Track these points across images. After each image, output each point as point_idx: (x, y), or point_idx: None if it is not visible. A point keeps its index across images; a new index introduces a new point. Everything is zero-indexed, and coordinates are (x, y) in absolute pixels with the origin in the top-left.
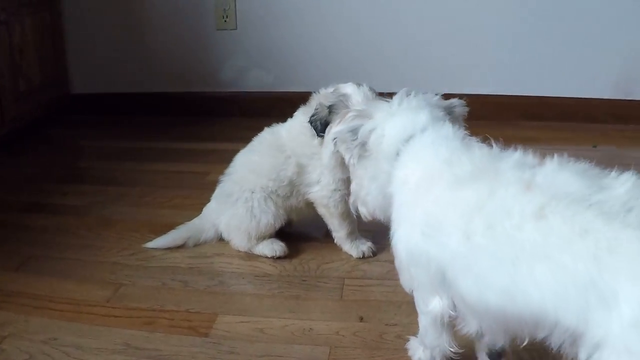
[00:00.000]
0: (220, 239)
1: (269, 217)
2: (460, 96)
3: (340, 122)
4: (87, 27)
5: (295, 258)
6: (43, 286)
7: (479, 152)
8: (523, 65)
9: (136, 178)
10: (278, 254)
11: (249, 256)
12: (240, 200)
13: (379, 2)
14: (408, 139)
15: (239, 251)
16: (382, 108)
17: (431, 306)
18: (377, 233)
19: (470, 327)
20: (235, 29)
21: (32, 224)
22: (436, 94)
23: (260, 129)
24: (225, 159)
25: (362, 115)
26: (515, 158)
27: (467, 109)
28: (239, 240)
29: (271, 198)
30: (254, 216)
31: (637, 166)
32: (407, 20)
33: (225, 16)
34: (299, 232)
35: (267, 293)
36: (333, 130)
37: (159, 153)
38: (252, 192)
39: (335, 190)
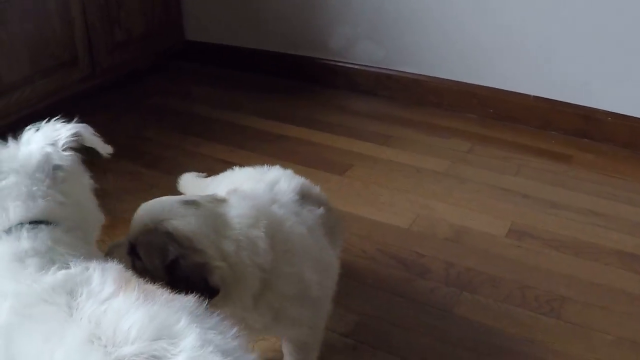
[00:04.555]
0: None
1: None
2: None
3: None
4: None
5: None
6: None
7: (51, 280)
8: None
9: (186, 162)
10: None
11: None
12: None
13: None
14: None
15: None
16: None
17: None
18: None
19: None
20: None
21: None
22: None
23: (362, 111)
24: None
25: None
26: (91, 288)
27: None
28: None
29: None
30: None
31: None
32: (548, 14)
33: None
34: None
35: None
36: None
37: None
38: None
39: None
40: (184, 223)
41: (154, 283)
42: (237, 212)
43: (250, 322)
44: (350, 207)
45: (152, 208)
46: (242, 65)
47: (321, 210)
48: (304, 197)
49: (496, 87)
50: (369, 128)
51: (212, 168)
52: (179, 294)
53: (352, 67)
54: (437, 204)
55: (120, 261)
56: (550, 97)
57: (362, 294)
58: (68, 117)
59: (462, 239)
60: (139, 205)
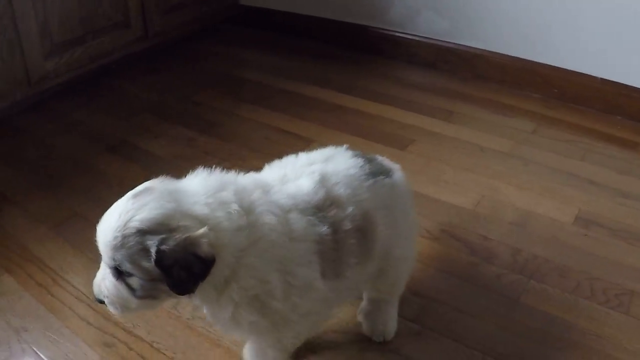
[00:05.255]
0: None
1: None
2: None
3: None
4: None
5: None
6: (59, 257)
7: None
8: None
9: (241, 129)
10: None
11: None
12: None
13: None
14: None
15: None
16: None
17: None
18: None
19: None
20: None
21: (106, 168)
22: None
23: (422, 85)
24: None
25: None
26: None
27: None
28: None
29: None
30: None
31: None
32: None
33: None
34: None
35: None
36: None
37: (295, 100)
38: None
39: None
40: (146, 212)
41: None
42: (196, 181)
43: (211, 316)
44: (413, 184)
45: (109, 222)
46: (297, 33)
47: (324, 230)
48: (321, 209)
49: (562, 66)
50: (430, 102)
51: (269, 137)
52: (182, 285)
53: (412, 39)
54: (502, 185)
55: (113, 293)
56: (617, 81)
57: (427, 277)
58: (118, 79)
59: (528, 223)
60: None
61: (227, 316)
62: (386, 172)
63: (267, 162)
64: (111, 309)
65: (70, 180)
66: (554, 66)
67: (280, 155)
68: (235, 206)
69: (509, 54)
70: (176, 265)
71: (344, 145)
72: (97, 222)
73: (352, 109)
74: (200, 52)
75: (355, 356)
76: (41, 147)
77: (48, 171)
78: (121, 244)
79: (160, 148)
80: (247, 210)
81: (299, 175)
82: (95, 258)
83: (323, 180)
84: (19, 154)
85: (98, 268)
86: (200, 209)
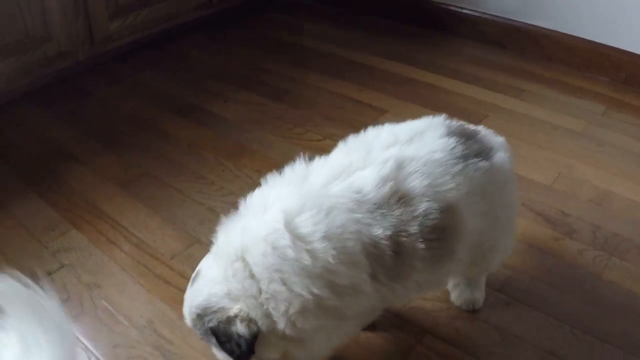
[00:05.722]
0: None
1: None
2: None
3: None
4: None
5: None
6: (130, 215)
7: None
8: None
9: (311, 97)
10: None
11: None
12: None
13: None
14: None
15: None
16: None
17: None
18: None
19: None
20: None
21: (174, 130)
22: None
23: (490, 62)
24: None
25: None
26: None
27: None
28: None
29: None
30: None
31: None
32: None
33: None
34: None
35: None
36: None
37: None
38: None
39: None
40: (197, 298)
41: None
42: (216, 254)
43: None
44: None
45: (184, 308)
46: (362, 7)
47: (378, 232)
48: (381, 207)
49: (631, 50)
50: (499, 80)
51: (342, 105)
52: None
53: (480, 17)
54: (577, 164)
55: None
56: None
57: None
58: (182, 44)
59: (606, 202)
60: (264, 136)
61: (292, 334)
62: (484, 153)
63: (342, 131)
64: None
65: (137, 141)
66: (624, 50)
67: (353, 124)
68: (237, 264)
69: (578, 36)
70: (227, 342)
71: (442, 116)
72: (169, 182)
73: (423, 82)
74: (264, 21)
75: (445, 324)
76: (106, 108)
77: (115, 132)
78: (194, 326)
79: (229, 112)
80: (243, 251)
81: (367, 164)
82: (169, 217)
83: (396, 169)
84: (83, 114)
85: (173, 227)
86: (225, 287)
